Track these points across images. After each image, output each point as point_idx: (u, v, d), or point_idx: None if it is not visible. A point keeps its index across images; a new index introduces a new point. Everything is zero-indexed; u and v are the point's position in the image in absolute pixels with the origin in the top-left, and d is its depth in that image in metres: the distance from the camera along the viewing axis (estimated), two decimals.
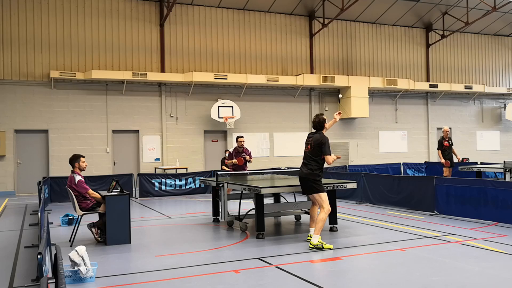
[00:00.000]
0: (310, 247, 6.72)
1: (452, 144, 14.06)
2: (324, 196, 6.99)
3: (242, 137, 11.57)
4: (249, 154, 11.42)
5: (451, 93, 23.78)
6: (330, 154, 7.02)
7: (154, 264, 6.21)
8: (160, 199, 14.48)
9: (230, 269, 5.85)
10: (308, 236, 7.23)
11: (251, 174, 11.21)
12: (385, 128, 22.38)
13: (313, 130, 7.31)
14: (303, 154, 7.27)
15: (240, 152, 11.31)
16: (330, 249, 6.68)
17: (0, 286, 5.32)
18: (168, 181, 15.27)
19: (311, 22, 20.90)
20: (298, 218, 9.69)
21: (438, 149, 14.16)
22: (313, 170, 6.97)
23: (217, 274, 5.66)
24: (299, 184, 8.25)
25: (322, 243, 6.69)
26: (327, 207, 6.92)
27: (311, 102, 20.89)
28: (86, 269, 5.39)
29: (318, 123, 7.17)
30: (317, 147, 6.99)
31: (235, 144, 19.27)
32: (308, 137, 7.27)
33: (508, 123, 25.16)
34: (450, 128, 23.92)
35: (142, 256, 6.71)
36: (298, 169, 7.27)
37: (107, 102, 17.55)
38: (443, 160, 13.83)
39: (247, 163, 11.42)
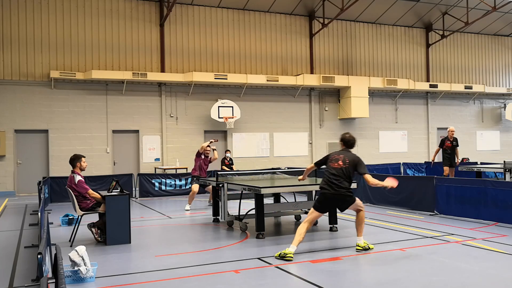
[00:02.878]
0: (357, 249, 6.66)
1: (456, 145, 13.83)
2: (358, 200, 6.85)
3: (210, 145, 12.52)
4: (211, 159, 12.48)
5: (451, 93, 23.78)
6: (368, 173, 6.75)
7: (154, 264, 6.21)
8: (160, 199, 14.48)
9: (230, 269, 5.85)
10: (358, 247, 6.73)
11: (251, 174, 11.21)
12: (385, 128, 22.38)
13: (342, 148, 6.92)
14: (330, 169, 6.68)
15: (207, 156, 12.27)
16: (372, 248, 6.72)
17: (0, 286, 5.32)
18: (168, 181, 15.27)
19: (311, 22, 20.90)
20: (298, 218, 9.69)
21: (438, 147, 14.12)
22: (349, 188, 6.67)
23: (217, 274, 5.66)
24: (299, 184, 8.27)
25: (367, 243, 6.72)
26: (363, 206, 6.91)
27: (311, 102, 20.89)
28: (86, 269, 5.39)
29: (353, 142, 6.90)
30: (352, 165, 6.65)
31: (235, 144, 19.36)
32: (335, 155, 6.80)
33: (508, 123, 25.16)
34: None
35: (142, 256, 6.71)
36: (325, 186, 6.62)
37: (107, 102, 17.55)
38: (432, 160, 13.85)
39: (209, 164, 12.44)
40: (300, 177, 7.64)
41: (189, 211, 11.49)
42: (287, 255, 6.16)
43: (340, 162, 6.64)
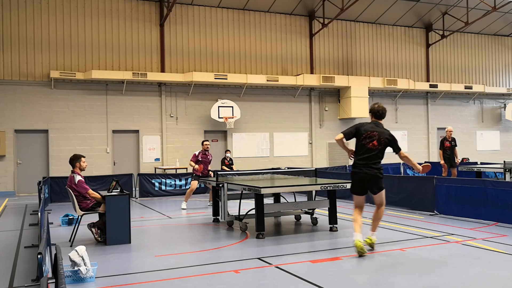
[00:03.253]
0: (366, 241, 6.50)
1: (455, 145, 13.84)
2: (384, 191, 6.66)
3: (207, 140, 12.35)
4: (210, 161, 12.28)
5: (451, 93, 23.78)
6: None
7: (154, 264, 6.21)
8: (160, 199, 14.48)
9: (230, 269, 5.85)
10: (367, 239, 6.56)
11: (251, 174, 11.22)
12: (385, 128, 22.32)
13: (372, 121, 6.60)
14: (362, 148, 6.44)
15: (206, 155, 12.03)
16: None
17: (0, 286, 5.32)
18: (168, 181, 15.27)
19: (311, 22, 20.90)
20: (298, 218, 9.69)
21: (439, 149, 14.12)
22: (381, 168, 6.49)
23: (217, 274, 5.66)
24: (299, 184, 8.26)
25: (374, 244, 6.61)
26: (384, 201, 6.75)
27: (311, 102, 20.89)
28: (86, 269, 5.39)
29: (384, 112, 6.62)
30: (387, 145, 6.47)
31: (235, 144, 19.36)
32: (368, 131, 6.45)
33: (508, 123, 25.16)
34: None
35: (142, 256, 6.71)
36: (357, 166, 6.45)
37: (107, 102, 17.55)
38: (442, 161, 13.77)
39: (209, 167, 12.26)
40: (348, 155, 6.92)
41: (185, 210, 11.50)
42: (355, 245, 6.16)
43: (375, 142, 6.37)
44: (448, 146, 13.74)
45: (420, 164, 7.03)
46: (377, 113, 6.59)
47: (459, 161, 13.89)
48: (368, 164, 6.38)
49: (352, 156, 6.73)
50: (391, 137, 6.49)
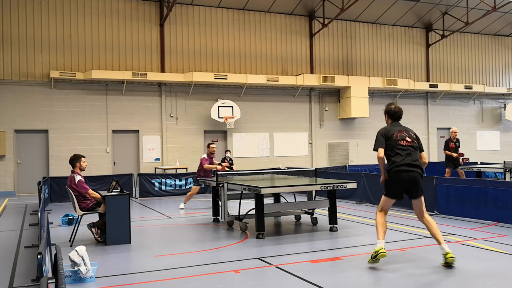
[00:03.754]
0: (449, 258, 5.57)
1: (459, 146, 13.86)
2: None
3: (213, 144, 12.26)
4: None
5: (451, 93, 23.78)
6: None
7: (154, 264, 6.21)
8: (160, 199, 14.48)
9: (230, 269, 5.85)
10: (447, 255, 5.61)
11: (251, 174, 11.21)
12: None
13: (391, 123, 6.22)
14: (400, 148, 5.90)
15: (211, 158, 11.94)
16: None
17: (0, 286, 5.32)
18: (168, 181, 15.27)
19: (311, 22, 20.90)
20: (298, 218, 9.69)
21: (444, 149, 14.12)
22: (422, 169, 5.98)
23: (217, 274, 5.66)
24: (299, 184, 8.25)
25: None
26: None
27: (311, 102, 20.89)
28: (86, 269, 5.39)
29: (401, 113, 6.30)
30: (418, 142, 6.09)
31: (235, 144, 19.36)
32: (395, 130, 6.05)
33: (508, 123, 25.16)
34: (449, 128, 23.94)
35: (142, 256, 6.70)
36: (401, 166, 5.82)
37: (107, 102, 17.55)
38: (455, 155, 13.70)
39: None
40: (382, 178, 6.18)
41: (184, 210, 11.50)
42: (379, 252, 5.56)
43: (408, 139, 5.96)
44: (453, 147, 13.77)
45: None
46: (395, 115, 6.24)
47: (455, 155, 13.86)
48: (409, 161, 5.85)
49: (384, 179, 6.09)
50: (417, 135, 6.19)
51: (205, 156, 11.86)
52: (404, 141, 5.95)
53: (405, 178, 5.81)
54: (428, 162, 20.15)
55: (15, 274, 5.84)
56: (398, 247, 6.84)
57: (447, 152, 13.90)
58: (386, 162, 6.07)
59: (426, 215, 5.98)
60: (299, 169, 12.31)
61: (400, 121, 6.23)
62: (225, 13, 19.49)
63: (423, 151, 6.16)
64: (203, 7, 19.11)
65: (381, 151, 5.95)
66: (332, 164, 20.65)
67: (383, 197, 6.02)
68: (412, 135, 6.05)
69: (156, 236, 8.47)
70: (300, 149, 20.65)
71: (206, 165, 11.65)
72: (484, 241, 7.15)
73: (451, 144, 13.80)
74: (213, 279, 5.43)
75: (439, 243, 5.73)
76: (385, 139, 5.99)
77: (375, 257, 5.61)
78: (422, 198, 6.00)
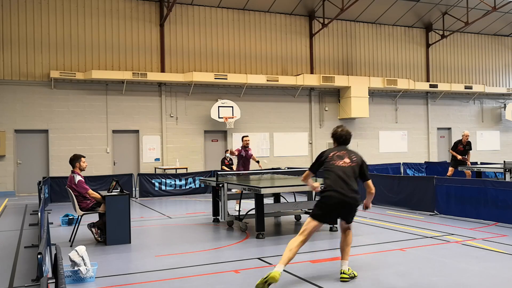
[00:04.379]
0: (342, 278, 5.26)
1: (469, 149, 13.80)
2: None
3: (247, 136, 11.88)
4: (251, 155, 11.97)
5: (451, 93, 23.78)
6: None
7: (154, 264, 6.21)
8: (160, 199, 14.48)
9: (230, 269, 5.85)
10: (344, 274, 5.28)
11: (251, 174, 11.21)
12: (385, 128, 22.38)
13: (335, 146, 5.61)
14: (335, 169, 5.31)
15: (247, 151, 11.70)
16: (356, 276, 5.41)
17: (0, 286, 5.32)
18: (168, 181, 15.27)
19: (311, 22, 20.90)
20: (298, 218, 9.69)
21: (451, 149, 14.10)
22: (358, 193, 5.33)
23: (217, 274, 5.66)
24: (299, 184, 8.24)
25: (351, 270, 5.40)
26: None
27: (311, 102, 20.89)
28: (86, 269, 5.39)
29: (348, 137, 5.61)
30: (359, 167, 5.39)
31: (235, 144, 19.34)
32: (336, 150, 5.47)
33: (508, 123, 25.16)
34: (449, 128, 23.95)
35: (142, 256, 6.71)
36: (333, 188, 5.25)
37: (107, 102, 17.55)
38: (460, 157, 13.67)
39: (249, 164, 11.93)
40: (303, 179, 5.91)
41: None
42: (270, 275, 4.80)
43: (347, 160, 5.36)
44: (461, 149, 13.73)
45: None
46: (341, 139, 5.55)
47: (461, 158, 13.88)
48: (345, 186, 5.22)
49: (319, 188, 5.62)
50: (362, 158, 5.48)
51: (239, 148, 11.86)
52: (342, 162, 5.34)
53: (334, 202, 5.22)
54: (428, 162, 20.40)
55: (15, 274, 5.84)
56: (398, 247, 6.84)
57: (452, 152, 13.91)
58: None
59: (350, 231, 5.52)
60: (299, 169, 12.31)
61: (347, 146, 5.59)
62: (225, 13, 19.49)
63: (368, 179, 5.44)
64: (203, 7, 19.11)
65: (306, 174, 5.63)
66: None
67: (308, 218, 5.36)
68: (354, 158, 5.38)
69: (156, 236, 8.47)
70: (300, 149, 20.65)
71: (235, 151, 11.52)
72: (484, 241, 7.15)
73: (460, 147, 13.76)
74: (213, 279, 5.43)
75: (341, 258, 5.40)
76: (322, 159, 5.47)
77: (266, 282, 4.80)
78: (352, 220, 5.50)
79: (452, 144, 14.31)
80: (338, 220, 5.58)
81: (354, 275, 5.34)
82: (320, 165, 5.52)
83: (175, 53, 18.58)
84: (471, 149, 13.95)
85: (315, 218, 5.29)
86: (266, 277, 4.82)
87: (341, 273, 5.27)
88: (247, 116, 19.49)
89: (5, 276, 5.72)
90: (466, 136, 13.79)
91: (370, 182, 5.47)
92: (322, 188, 5.46)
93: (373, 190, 5.50)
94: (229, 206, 8.94)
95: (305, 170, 5.71)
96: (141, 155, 18.12)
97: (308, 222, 5.29)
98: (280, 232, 8.48)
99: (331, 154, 5.44)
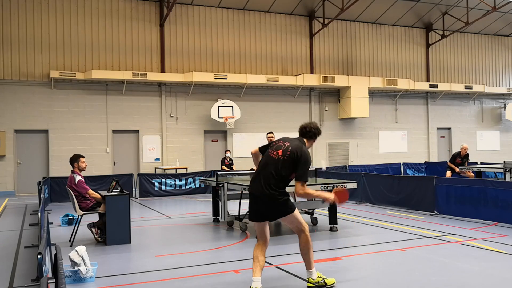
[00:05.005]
0: (309, 286, 4.96)
1: (465, 161, 13.78)
2: (298, 214, 4.89)
3: (272, 133, 11.45)
4: None
5: (451, 93, 23.78)
6: (306, 182, 4.74)
7: (154, 264, 6.21)
8: (160, 199, 14.48)
9: (230, 269, 5.85)
10: (308, 281, 4.99)
11: (251, 174, 11.19)
12: (385, 128, 22.38)
13: (291, 137, 5.06)
14: (264, 159, 4.93)
15: None
16: (333, 284, 5.02)
17: (0, 286, 5.32)
18: (168, 181, 15.27)
19: (311, 22, 20.90)
20: None
21: (449, 161, 14.06)
22: (280, 190, 4.75)
23: (217, 274, 5.66)
24: None
25: (323, 278, 4.99)
26: (306, 226, 4.91)
27: (311, 102, 20.88)
28: (86, 269, 5.39)
29: (310, 131, 5.00)
30: (293, 161, 4.75)
31: (235, 144, 19.35)
32: (285, 140, 4.91)
33: (508, 123, 25.16)
34: (449, 128, 23.95)
35: (142, 256, 6.71)
36: (251, 182, 4.93)
37: (107, 102, 17.55)
38: (458, 170, 13.62)
39: None
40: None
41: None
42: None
43: (280, 152, 4.79)
44: (459, 162, 13.70)
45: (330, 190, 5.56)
46: (300, 131, 5.05)
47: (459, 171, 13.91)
48: (262, 179, 4.75)
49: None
50: (302, 153, 4.75)
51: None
52: (275, 153, 4.82)
53: (252, 198, 4.84)
54: (428, 162, 20.40)
55: (15, 274, 5.84)
56: (398, 247, 6.84)
57: (450, 164, 13.86)
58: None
59: (304, 233, 4.89)
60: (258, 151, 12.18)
61: (304, 139, 5.01)
62: (225, 13, 19.49)
63: (298, 178, 4.73)
64: (203, 7, 19.11)
65: (254, 149, 5.24)
66: (332, 164, 20.65)
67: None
68: (289, 152, 4.76)
69: (156, 236, 8.48)
70: None
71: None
72: (484, 241, 7.15)
73: (458, 160, 13.74)
74: (213, 279, 5.43)
75: (306, 267, 4.98)
76: (265, 147, 5.11)
77: None
78: (292, 216, 4.83)
79: (451, 155, 14.26)
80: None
81: (326, 283, 4.89)
82: (266, 148, 5.08)
83: (175, 53, 18.58)
84: (468, 160, 13.97)
85: (249, 218, 4.97)
86: None
87: (307, 283, 4.92)
88: (247, 116, 19.49)
89: (5, 276, 5.72)
90: (465, 149, 13.78)
91: (298, 183, 4.69)
92: None
93: (298, 192, 4.71)
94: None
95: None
96: (141, 155, 18.11)
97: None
98: (280, 232, 8.49)
99: (277, 142, 4.97)
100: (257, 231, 4.95)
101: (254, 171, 5.01)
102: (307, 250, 4.89)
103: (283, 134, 20.03)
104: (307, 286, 4.96)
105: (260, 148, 5.21)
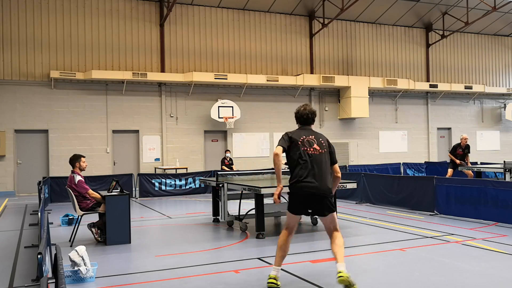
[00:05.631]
0: (341, 278, 4.71)
1: (468, 153, 13.79)
2: (335, 213, 5.13)
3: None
4: None
5: (451, 93, 23.78)
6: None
7: (154, 264, 6.21)
8: (160, 199, 14.48)
9: (230, 269, 5.85)
10: (338, 273, 4.76)
11: (251, 174, 11.20)
12: (385, 128, 22.38)
13: (300, 127, 5.27)
14: (303, 156, 4.97)
15: None
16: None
17: (0, 286, 5.32)
18: (168, 181, 15.27)
19: (311, 22, 20.90)
20: None
21: (450, 153, 14.08)
22: (330, 184, 5.02)
23: (217, 274, 5.66)
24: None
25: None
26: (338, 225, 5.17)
27: (311, 102, 20.86)
28: (86, 269, 5.39)
29: (312, 115, 5.32)
30: (329, 151, 5.11)
31: (235, 144, 19.35)
32: (303, 134, 5.11)
33: (508, 123, 25.16)
34: (449, 128, 23.94)
35: (142, 256, 6.71)
36: (303, 178, 4.92)
37: (107, 102, 17.55)
38: (458, 161, 13.63)
39: None
40: (276, 191, 5.11)
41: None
42: (268, 282, 4.88)
43: (316, 146, 5.00)
44: (460, 153, 13.72)
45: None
46: (302, 118, 5.26)
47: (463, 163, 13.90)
48: (318, 174, 4.90)
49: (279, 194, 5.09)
50: (330, 143, 5.20)
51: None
52: (311, 149, 4.99)
53: (307, 193, 4.90)
54: (428, 162, 20.40)
55: (15, 274, 5.84)
56: (398, 247, 6.84)
57: (451, 156, 13.89)
58: (283, 169, 5.24)
59: (336, 232, 5.05)
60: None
61: (311, 126, 5.30)
62: (225, 13, 19.49)
63: (335, 163, 5.17)
64: (203, 7, 19.11)
65: (279, 149, 4.98)
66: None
67: (287, 212, 5.15)
68: (323, 142, 5.09)
69: (156, 236, 8.47)
70: None
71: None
72: (484, 241, 7.15)
73: (459, 151, 13.75)
74: (213, 279, 5.43)
75: (339, 260, 4.88)
76: (289, 142, 5.07)
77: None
78: (334, 214, 5.06)
79: (451, 147, 14.27)
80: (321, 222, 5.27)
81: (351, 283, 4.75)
82: (290, 143, 5.07)
83: (175, 53, 18.58)
84: (469, 152, 13.94)
85: (290, 210, 5.06)
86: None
87: (339, 275, 4.73)
88: (247, 116, 19.48)
89: (5, 276, 5.72)
90: (465, 139, 13.78)
91: (337, 166, 5.17)
92: (291, 178, 5.04)
93: (339, 173, 5.20)
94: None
95: None
96: (141, 155, 18.11)
97: (288, 216, 5.12)
98: (280, 232, 8.47)
99: (301, 138, 5.04)
100: (292, 223, 5.08)
101: (300, 173, 4.93)
102: (341, 246, 5.02)
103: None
104: (342, 277, 4.70)
105: (282, 144, 5.08)
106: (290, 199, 5.06)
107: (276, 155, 4.96)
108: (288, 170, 5.16)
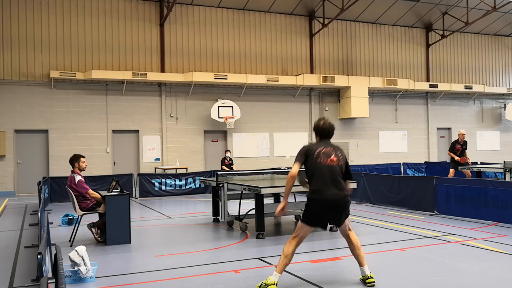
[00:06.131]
0: (368, 282, 5.04)
1: (465, 149, 13.76)
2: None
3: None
4: None
5: (451, 93, 23.78)
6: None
7: (154, 264, 6.21)
8: (160, 199, 14.48)
9: (230, 269, 5.85)
10: (367, 279, 5.07)
11: (251, 174, 11.21)
12: (385, 128, 22.38)
13: (318, 140, 5.36)
14: (322, 168, 5.07)
15: None
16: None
17: (0, 286, 5.32)
18: (168, 181, 15.27)
19: (311, 22, 20.90)
20: (298, 218, 9.68)
21: (449, 150, 14.07)
22: (347, 191, 5.18)
23: (217, 274, 5.66)
24: (299, 184, 8.23)
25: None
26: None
27: (311, 102, 20.88)
28: (86, 269, 5.39)
29: (332, 130, 5.36)
30: (345, 166, 5.24)
31: (235, 144, 19.36)
32: (322, 146, 5.20)
33: (508, 123, 25.16)
34: (449, 128, 23.94)
35: (142, 256, 6.71)
36: (325, 189, 5.02)
37: (107, 102, 17.55)
38: (457, 158, 13.62)
39: None
40: (280, 206, 5.33)
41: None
42: (268, 287, 4.87)
43: (334, 158, 5.12)
44: (459, 149, 13.70)
45: None
46: (323, 132, 5.30)
47: (470, 162, 13.87)
48: (335, 183, 5.03)
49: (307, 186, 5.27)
50: (345, 156, 5.33)
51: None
52: (329, 160, 5.10)
53: (329, 204, 5.01)
54: (428, 162, 20.40)
55: (15, 274, 5.84)
56: (398, 247, 6.84)
57: (450, 153, 13.87)
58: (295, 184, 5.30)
59: (351, 232, 5.27)
60: (300, 169, 12.26)
61: (330, 140, 5.36)
62: (225, 13, 19.49)
63: (351, 179, 5.35)
64: (203, 7, 19.11)
65: (296, 168, 5.11)
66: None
67: (299, 223, 5.16)
68: (340, 155, 5.20)
69: (156, 236, 8.47)
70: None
71: None
72: (484, 241, 7.15)
73: (458, 147, 13.72)
74: (213, 279, 5.43)
75: (360, 264, 5.15)
76: (305, 156, 5.20)
77: None
78: (347, 219, 5.23)
79: (450, 145, 14.26)
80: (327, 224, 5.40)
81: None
82: (306, 157, 5.20)
83: (175, 53, 18.58)
84: (466, 148, 13.92)
85: (307, 223, 5.07)
86: (266, 285, 4.86)
87: (367, 279, 5.03)
88: (247, 116, 19.48)
89: (5, 276, 5.72)
90: (463, 135, 13.75)
91: (351, 184, 5.29)
92: (310, 190, 5.16)
93: (350, 192, 5.31)
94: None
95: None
96: (141, 155, 18.12)
97: (301, 227, 5.09)
98: (280, 232, 8.49)
99: (318, 150, 5.15)
100: (305, 234, 5.13)
101: (319, 186, 5.06)
102: (359, 246, 5.22)
103: (283, 134, 20.16)
104: (369, 282, 5.02)
105: (299, 159, 5.26)
106: (310, 212, 5.09)
107: (291, 177, 5.11)
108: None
